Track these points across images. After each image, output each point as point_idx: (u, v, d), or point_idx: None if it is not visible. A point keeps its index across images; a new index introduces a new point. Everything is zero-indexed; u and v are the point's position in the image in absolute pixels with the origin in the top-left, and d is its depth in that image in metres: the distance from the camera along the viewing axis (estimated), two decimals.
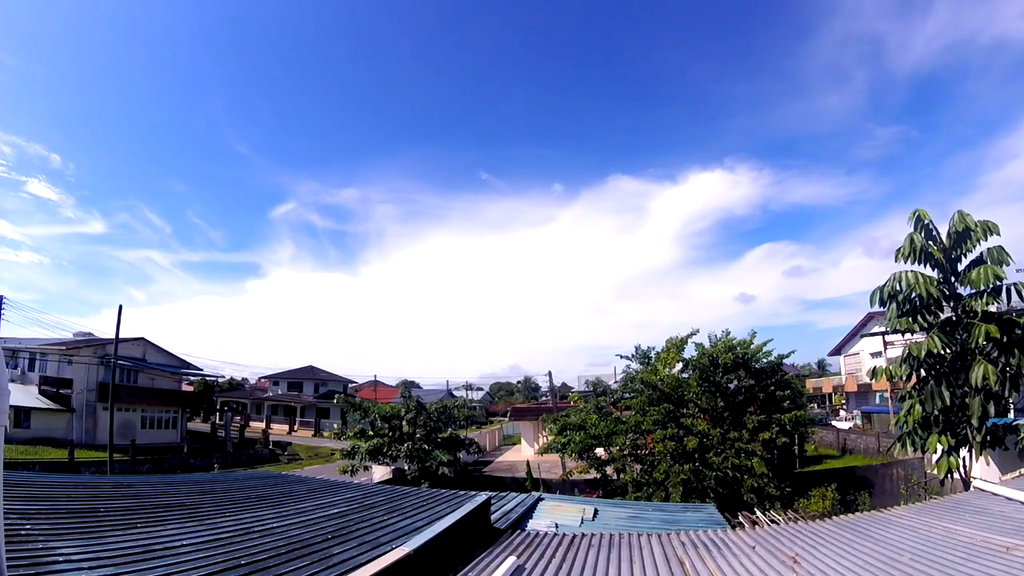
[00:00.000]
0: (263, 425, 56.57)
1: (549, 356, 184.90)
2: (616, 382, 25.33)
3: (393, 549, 4.44)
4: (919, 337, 11.85)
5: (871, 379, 12.75)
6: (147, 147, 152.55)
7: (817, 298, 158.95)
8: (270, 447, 43.22)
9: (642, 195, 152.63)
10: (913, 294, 11.03)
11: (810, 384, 48.68)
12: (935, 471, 11.74)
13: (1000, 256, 10.40)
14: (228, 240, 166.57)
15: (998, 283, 10.36)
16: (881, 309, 12.27)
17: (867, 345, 41.15)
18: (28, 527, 4.07)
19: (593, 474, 19.63)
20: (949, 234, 10.99)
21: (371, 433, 22.76)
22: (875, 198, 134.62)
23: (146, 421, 40.32)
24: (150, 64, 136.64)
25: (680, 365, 18.92)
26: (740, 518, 11.49)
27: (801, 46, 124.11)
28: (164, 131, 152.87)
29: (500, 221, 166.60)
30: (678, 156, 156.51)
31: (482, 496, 7.42)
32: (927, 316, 11.24)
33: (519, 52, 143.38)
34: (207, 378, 60.75)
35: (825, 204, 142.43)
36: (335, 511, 6.65)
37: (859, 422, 39.13)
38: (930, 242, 11.22)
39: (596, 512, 8.93)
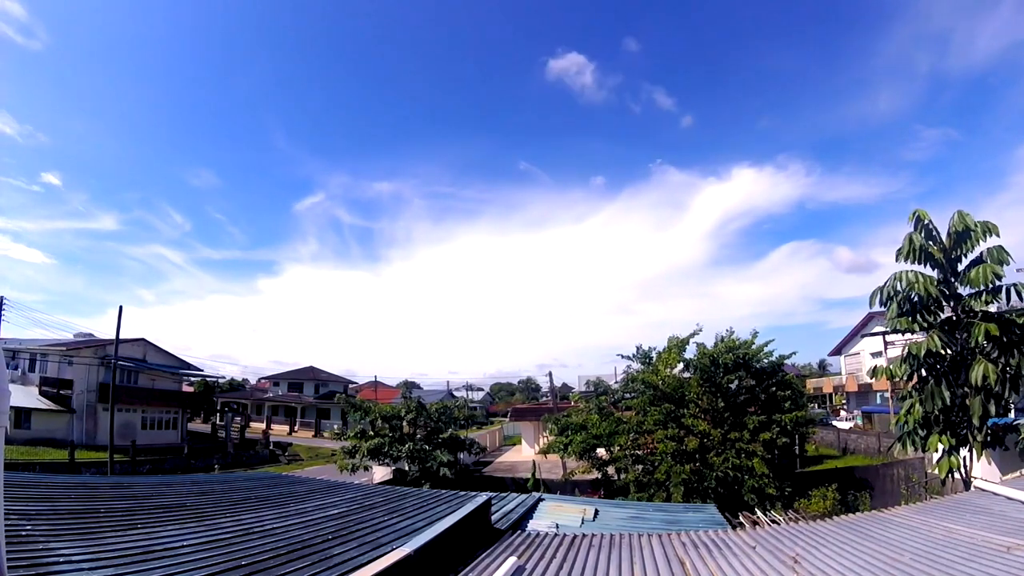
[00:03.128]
0: (263, 426, 56.60)
1: (567, 356, 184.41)
2: (617, 382, 25.32)
3: (394, 550, 4.44)
4: (919, 337, 11.85)
5: (871, 378, 12.75)
6: (169, 135, 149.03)
7: (835, 297, 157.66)
8: (270, 448, 43.25)
9: (686, 188, 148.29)
10: (913, 294, 11.03)
11: (811, 384, 48.65)
12: (936, 471, 11.74)
13: (1000, 255, 10.40)
14: (249, 236, 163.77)
15: (997, 283, 10.36)
16: (881, 309, 12.26)
17: (868, 345, 41.14)
18: (28, 528, 4.07)
19: (594, 474, 19.64)
20: (949, 234, 10.98)
21: (372, 433, 22.77)
22: (907, 198, 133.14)
23: (146, 422, 40.35)
24: (174, 42, 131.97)
25: (681, 365, 18.92)
26: (741, 518, 11.50)
27: (876, 42, 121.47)
28: (188, 116, 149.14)
29: (535, 220, 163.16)
30: (730, 151, 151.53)
31: (483, 496, 7.42)
32: (927, 316, 11.23)
33: (574, 38, 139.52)
34: (207, 379, 60.79)
35: (859, 203, 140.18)
36: (336, 512, 6.65)
37: (859, 422, 39.12)
38: (930, 242, 11.22)
39: (597, 512, 8.93)
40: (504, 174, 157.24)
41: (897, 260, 11.39)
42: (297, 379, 63.68)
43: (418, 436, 23.00)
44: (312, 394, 61.66)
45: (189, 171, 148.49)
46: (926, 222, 11.21)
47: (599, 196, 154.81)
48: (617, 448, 18.50)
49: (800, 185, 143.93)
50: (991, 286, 10.41)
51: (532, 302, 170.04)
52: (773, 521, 11.00)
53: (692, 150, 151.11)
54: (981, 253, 10.72)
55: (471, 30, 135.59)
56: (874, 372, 12.37)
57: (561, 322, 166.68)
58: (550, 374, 43.31)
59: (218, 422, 52.18)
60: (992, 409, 10.17)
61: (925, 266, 11.28)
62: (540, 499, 9.94)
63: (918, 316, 11.25)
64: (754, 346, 18.32)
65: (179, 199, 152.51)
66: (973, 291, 10.77)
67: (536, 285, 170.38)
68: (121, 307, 30.42)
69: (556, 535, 6.66)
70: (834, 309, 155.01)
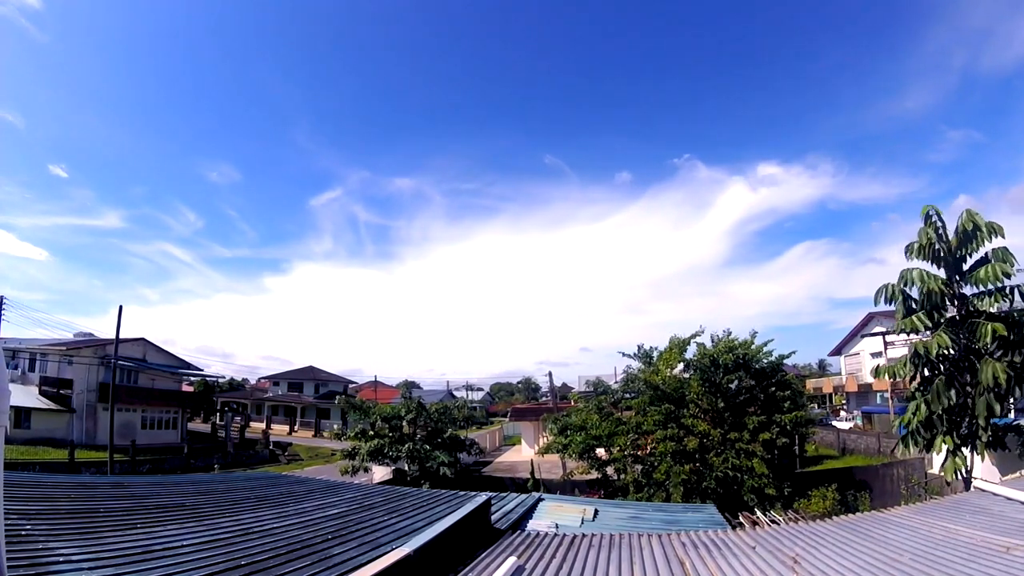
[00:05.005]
0: (263, 426, 56.55)
1: (574, 355, 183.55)
2: (617, 382, 25.31)
3: (393, 550, 4.44)
4: (921, 337, 11.85)
5: (875, 378, 12.77)
6: (184, 130, 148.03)
7: (844, 297, 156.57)
8: (270, 448, 43.22)
9: (712, 185, 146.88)
10: (920, 293, 11.04)
11: (810, 384, 48.62)
12: (942, 472, 11.73)
13: (1005, 256, 10.41)
14: (261, 234, 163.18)
15: (1004, 283, 10.37)
16: (882, 308, 12.29)
17: (867, 345, 41.12)
18: (28, 527, 4.07)
19: (594, 475, 19.62)
20: (956, 232, 10.96)
21: (372, 434, 22.76)
22: (926, 199, 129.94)
23: (146, 421, 40.33)
24: (185, 34, 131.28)
25: (681, 365, 18.90)
26: (740, 518, 11.49)
27: (912, 41, 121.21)
28: (204, 110, 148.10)
29: (555, 219, 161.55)
30: (760, 148, 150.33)
31: (482, 496, 7.42)
32: (933, 315, 11.23)
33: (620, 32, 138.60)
34: (207, 378, 60.80)
35: (878, 203, 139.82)
36: (335, 512, 6.64)
37: (859, 422, 39.12)
38: (938, 239, 11.20)
39: (596, 512, 8.92)
40: (529, 170, 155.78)
41: (907, 256, 11.38)
42: (297, 379, 63.64)
43: (418, 436, 22.98)
44: (312, 394, 61.62)
45: (203, 165, 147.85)
46: (935, 219, 11.19)
47: (624, 194, 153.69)
48: (617, 449, 18.49)
49: (825, 185, 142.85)
50: (997, 286, 10.41)
51: (542, 301, 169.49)
52: (773, 521, 11.01)
53: (722, 146, 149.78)
54: (986, 253, 10.72)
55: (501, 16, 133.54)
56: (877, 372, 12.37)
57: (570, 321, 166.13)
58: (550, 374, 43.32)
59: (218, 422, 52.15)
60: (997, 409, 10.19)
61: (931, 264, 11.28)
62: (540, 499, 9.94)
63: (925, 315, 11.25)
64: (753, 346, 18.31)
65: (192, 195, 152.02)
66: (978, 291, 10.77)
67: (548, 284, 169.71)
68: (121, 307, 30.43)
69: (556, 535, 6.66)
70: (841, 309, 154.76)
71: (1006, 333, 10.02)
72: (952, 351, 10.94)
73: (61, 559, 3.54)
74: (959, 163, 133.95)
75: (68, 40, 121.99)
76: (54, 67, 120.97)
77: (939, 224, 11.19)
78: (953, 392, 10.59)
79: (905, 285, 11.10)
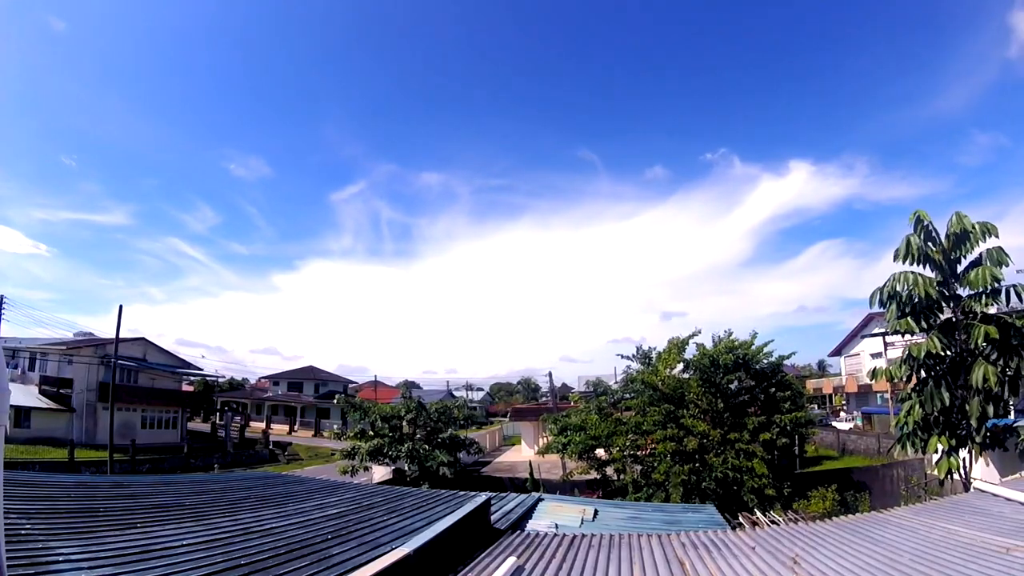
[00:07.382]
0: (263, 425, 56.59)
1: (585, 354, 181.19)
2: (617, 382, 25.31)
3: (393, 550, 4.44)
4: (919, 338, 11.85)
5: (871, 379, 12.75)
6: (204, 121, 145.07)
7: (856, 296, 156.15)
8: (270, 447, 43.24)
9: (745, 182, 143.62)
10: (913, 295, 11.02)
11: (810, 385, 48.63)
12: (935, 471, 11.74)
13: (999, 257, 10.39)
14: (278, 230, 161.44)
15: (997, 284, 10.35)
16: (881, 310, 12.27)
17: (867, 346, 41.15)
18: (28, 527, 4.07)
19: (593, 475, 19.62)
20: (948, 236, 10.96)
21: (371, 433, 22.78)
22: (948, 200, 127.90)
23: (146, 421, 40.36)
24: (195, 27, 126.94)
25: (681, 366, 18.92)
26: (740, 519, 11.50)
27: (955, 39, 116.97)
28: (226, 97, 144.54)
29: (583, 217, 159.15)
30: (795, 146, 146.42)
31: (482, 496, 7.42)
32: (927, 317, 11.23)
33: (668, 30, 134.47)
34: (207, 378, 60.83)
35: (899, 204, 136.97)
36: (334, 512, 6.64)
37: (859, 423, 39.13)
38: (929, 243, 11.21)
39: (596, 513, 8.92)
40: (559, 165, 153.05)
41: (895, 261, 11.38)
42: (297, 379, 63.71)
43: (418, 436, 23.00)
44: (312, 394, 61.68)
45: (226, 158, 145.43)
46: (926, 223, 11.20)
47: (655, 191, 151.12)
48: (616, 449, 18.49)
49: (854, 185, 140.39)
50: (990, 288, 10.40)
51: (567, 298, 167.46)
52: (772, 522, 11.01)
53: (759, 141, 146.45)
54: (980, 254, 10.71)
55: (537, 9, 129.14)
56: (874, 373, 12.36)
57: (596, 317, 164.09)
58: (550, 374, 43.36)
59: (218, 421, 52.16)
60: (991, 411, 10.17)
61: (924, 267, 11.27)
62: (539, 499, 9.94)
63: (919, 318, 11.24)
64: (753, 347, 18.32)
65: (211, 190, 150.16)
66: (973, 293, 10.76)
67: (574, 281, 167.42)
68: (121, 306, 30.47)
69: (555, 535, 6.66)
70: (852, 309, 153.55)
71: (997, 336, 10.01)
72: (947, 353, 10.92)
73: (60, 558, 3.54)
74: (985, 166, 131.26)
75: (87, 28, 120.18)
76: (71, 55, 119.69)
77: (931, 228, 11.16)
78: (946, 394, 10.58)
79: (898, 287, 11.10)
